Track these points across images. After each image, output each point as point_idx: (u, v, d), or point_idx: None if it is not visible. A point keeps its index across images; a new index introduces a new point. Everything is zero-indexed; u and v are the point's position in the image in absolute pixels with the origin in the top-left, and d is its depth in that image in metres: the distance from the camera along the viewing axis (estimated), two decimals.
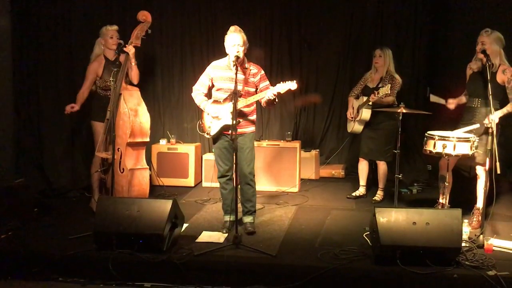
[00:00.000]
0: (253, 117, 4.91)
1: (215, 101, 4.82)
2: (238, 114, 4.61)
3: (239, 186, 4.76)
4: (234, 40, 4.62)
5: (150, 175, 5.81)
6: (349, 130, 6.15)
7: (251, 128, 4.90)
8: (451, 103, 5.17)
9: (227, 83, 4.74)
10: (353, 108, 5.98)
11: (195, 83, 4.96)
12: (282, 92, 4.59)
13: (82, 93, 5.53)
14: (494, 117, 4.55)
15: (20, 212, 5.19)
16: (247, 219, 4.96)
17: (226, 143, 4.82)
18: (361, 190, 6.17)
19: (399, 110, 4.96)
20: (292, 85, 4.56)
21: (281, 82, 4.59)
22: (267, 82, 4.84)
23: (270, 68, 7.06)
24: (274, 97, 4.58)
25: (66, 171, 6.62)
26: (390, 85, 5.36)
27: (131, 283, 4.14)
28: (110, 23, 5.55)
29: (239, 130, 4.69)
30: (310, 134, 7.37)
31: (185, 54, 7.19)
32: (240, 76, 4.64)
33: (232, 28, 4.69)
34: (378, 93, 5.37)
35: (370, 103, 5.63)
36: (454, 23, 6.62)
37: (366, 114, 5.76)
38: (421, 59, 6.95)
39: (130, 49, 5.28)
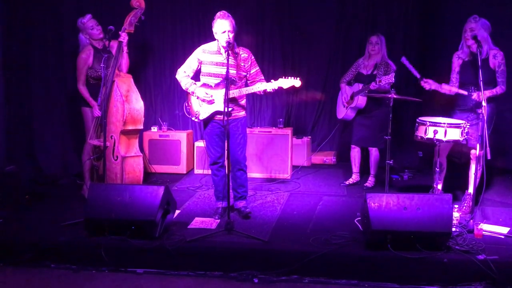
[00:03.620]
0: (243, 101, 4.89)
1: (205, 85, 4.78)
2: (230, 100, 4.61)
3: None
4: (224, 26, 4.57)
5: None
6: (339, 116, 6.14)
7: (243, 113, 4.89)
8: (426, 83, 5.04)
9: (218, 68, 4.71)
10: (346, 94, 5.97)
11: None
12: (284, 87, 4.59)
13: (82, 89, 5.44)
14: (483, 96, 4.55)
15: (11, 200, 5.18)
16: (241, 203, 4.98)
17: (217, 130, 4.81)
18: (354, 177, 6.18)
19: (389, 96, 4.96)
20: (296, 82, 4.57)
21: (283, 78, 4.58)
22: (257, 68, 4.83)
23: (262, 55, 7.04)
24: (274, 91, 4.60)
25: (57, 158, 6.61)
26: (393, 73, 5.27)
27: (123, 269, 4.16)
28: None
29: (232, 115, 4.69)
30: (302, 121, 7.37)
31: (176, 41, 7.16)
32: (231, 61, 4.61)
33: (219, 13, 4.62)
34: (380, 81, 5.27)
35: (367, 91, 5.60)
36: (446, 9, 6.61)
37: (361, 101, 5.75)
38: (413, 45, 6.95)
39: (124, 37, 5.22)
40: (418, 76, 5.09)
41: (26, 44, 6.46)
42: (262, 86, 4.63)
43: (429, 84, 5.04)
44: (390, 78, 5.18)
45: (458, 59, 5.06)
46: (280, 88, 4.61)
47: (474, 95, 4.77)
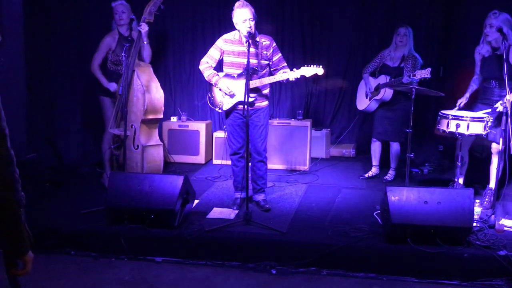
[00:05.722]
0: (267, 90, 4.85)
1: (228, 76, 4.77)
2: (253, 90, 4.60)
3: (249, 164, 4.76)
4: (245, 15, 4.53)
5: None
6: (361, 108, 6.07)
7: (265, 103, 4.86)
8: (462, 102, 5.10)
9: (239, 58, 4.69)
10: (371, 85, 5.88)
11: None
12: (307, 76, 4.57)
13: (96, 69, 5.49)
14: (510, 98, 4.50)
15: (31, 187, 5.23)
16: (260, 197, 4.96)
17: (239, 120, 4.79)
18: (374, 170, 6.13)
19: (411, 87, 4.87)
20: (319, 70, 4.54)
21: (305, 66, 4.55)
22: (280, 55, 4.78)
23: (282, 45, 6.96)
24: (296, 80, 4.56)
25: (77, 146, 6.68)
26: (430, 68, 5.02)
27: (142, 258, 4.19)
28: None
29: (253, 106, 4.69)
30: (321, 113, 7.33)
31: (196, 31, 7.15)
32: (252, 49, 4.58)
33: (239, 3, 4.59)
34: (414, 75, 5.02)
35: (394, 84, 5.49)
36: (469, 2, 6.51)
37: (388, 94, 5.66)
38: (435, 38, 6.86)
39: (143, 28, 5.19)
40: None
41: (48, 33, 6.51)
42: (284, 75, 4.61)
43: (466, 98, 5.10)
44: (426, 73, 4.96)
45: (479, 55, 5.01)
46: (302, 77, 4.58)
47: (499, 107, 4.59)
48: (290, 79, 4.58)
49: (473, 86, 5.15)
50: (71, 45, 6.64)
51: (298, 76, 4.55)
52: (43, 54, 6.52)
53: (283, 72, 4.66)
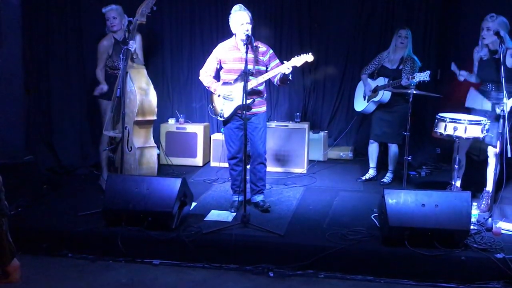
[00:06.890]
0: (264, 96, 4.89)
1: (226, 83, 4.78)
2: (252, 93, 4.61)
3: (248, 166, 4.76)
4: (242, 18, 4.56)
5: (158, 154, 5.82)
6: (358, 109, 6.06)
7: (263, 108, 4.88)
8: (462, 75, 5.10)
9: (236, 63, 4.70)
10: (369, 87, 5.86)
11: (204, 63, 4.92)
12: (298, 65, 4.51)
13: (99, 72, 5.55)
14: (509, 102, 4.51)
15: (29, 189, 5.23)
16: (259, 197, 4.97)
17: (238, 122, 4.80)
18: (371, 172, 6.13)
19: (409, 91, 4.90)
20: (308, 57, 4.49)
21: (296, 56, 4.53)
22: (278, 61, 4.79)
23: (280, 48, 7.00)
24: (289, 71, 4.47)
25: (75, 148, 6.66)
26: (429, 71, 5.03)
27: (140, 260, 4.19)
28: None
29: (253, 110, 4.71)
30: (319, 115, 7.34)
31: (195, 33, 7.14)
32: (250, 55, 4.59)
33: (236, 6, 4.62)
34: (413, 78, 5.03)
35: (393, 86, 5.50)
36: (466, 4, 6.53)
37: (386, 96, 5.66)
38: (432, 40, 6.88)
39: (131, 46, 5.04)
40: (457, 71, 5.07)
41: (46, 35, 6.51)
42: (276, 69, 4.58)
43: (462, 76, 5.07)
44: (425, 76, 4.97)
45: (477, 54, 5.02)
46: (295, 68, 4.52)
47: (498, 111, 4.57)
48: (286, 73, 4.49)
49: (471, 77, 5.14)
50: (69, 47, 6.62)
51: (290, 68, 4.47)
52: (41, 56, 6.51)
53: (276, 68, 4.64)
